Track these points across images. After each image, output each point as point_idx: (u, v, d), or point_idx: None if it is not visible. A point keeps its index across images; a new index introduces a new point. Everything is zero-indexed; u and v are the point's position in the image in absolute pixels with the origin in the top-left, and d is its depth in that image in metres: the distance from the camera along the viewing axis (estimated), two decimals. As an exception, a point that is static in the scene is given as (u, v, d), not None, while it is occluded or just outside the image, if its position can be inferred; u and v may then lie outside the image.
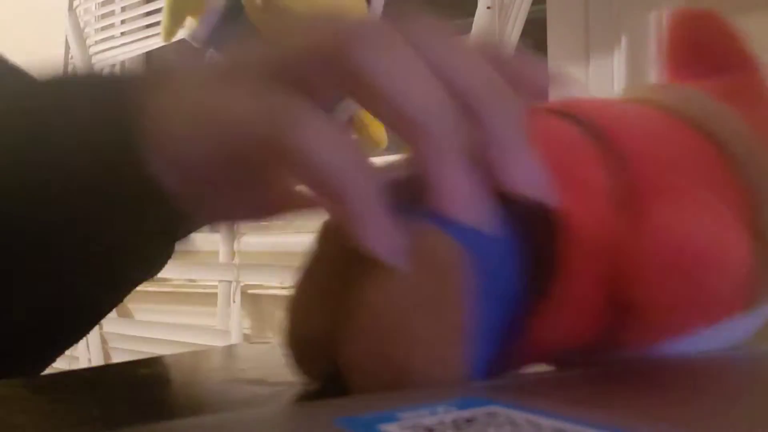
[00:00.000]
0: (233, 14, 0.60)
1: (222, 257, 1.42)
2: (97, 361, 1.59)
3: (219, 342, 1.36)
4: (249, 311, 1.41)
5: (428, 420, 0.15)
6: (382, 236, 0.19)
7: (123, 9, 1.58)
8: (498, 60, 0.23)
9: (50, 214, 0.25)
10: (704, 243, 0.21)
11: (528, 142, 0.22)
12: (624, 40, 0.90)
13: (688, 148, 0.25)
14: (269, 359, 0.34)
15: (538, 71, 0.24)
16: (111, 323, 1.57)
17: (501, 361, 0.21)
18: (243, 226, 1.29)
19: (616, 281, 0.21)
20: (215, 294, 1.43)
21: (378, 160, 0.24)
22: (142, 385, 0.25)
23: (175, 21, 0.64)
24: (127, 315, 1.61)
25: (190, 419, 0.16)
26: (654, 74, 0.91)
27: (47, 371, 0.31)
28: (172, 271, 1.31)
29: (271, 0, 0.56)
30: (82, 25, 1.62)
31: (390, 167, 0.23)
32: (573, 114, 0.24)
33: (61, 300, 0.28)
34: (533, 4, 1.03)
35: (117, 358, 1.57)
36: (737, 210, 0.23)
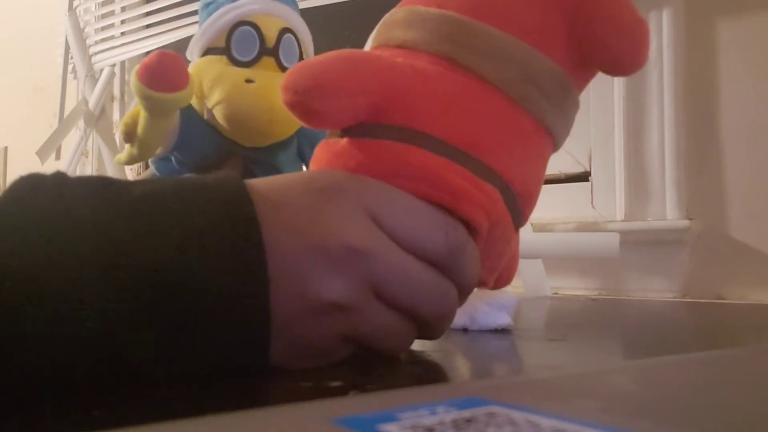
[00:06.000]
0: (190, 123, 0.66)
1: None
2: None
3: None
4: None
5: (428, 420, 0.15)
6: None
7: (123, 9, 1.58)
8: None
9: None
10: None
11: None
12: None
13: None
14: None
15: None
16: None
17: None
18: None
19: None
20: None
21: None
22: (142, 385, 0.25)
23: (143, 154, 0.66)
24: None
25: (191, 419, 0.16)
26: (654, 75, 0.91)
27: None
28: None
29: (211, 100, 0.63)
30: (82, 25, 1.62)
31: None
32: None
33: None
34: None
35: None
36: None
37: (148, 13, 1.52)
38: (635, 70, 0.33)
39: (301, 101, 0.30)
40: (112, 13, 1.61)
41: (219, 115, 0.63)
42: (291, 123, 0.63)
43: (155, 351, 0.24)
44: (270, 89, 0.62)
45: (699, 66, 0.87)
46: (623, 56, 0.32)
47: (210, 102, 0.63)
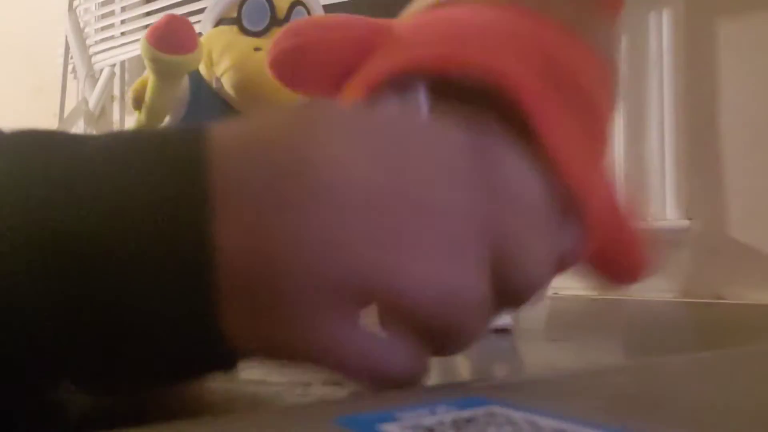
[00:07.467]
0: (199, 95, 0.67)
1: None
2: (97, 361, 1.58)
3: (219, 342, 1.36)
4: (249, 311, 1.41)
5: (428, 420, 0.15)
6: None
7: (123, 9, 1.58)
8: None
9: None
10: None
11: None
12: (624, 41, 0.90)
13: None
14: (269, 359, 0.34)
15: None
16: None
17: None
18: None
19: None
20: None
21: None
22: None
23: (151, 121, 0.68)
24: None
25: (191, 420, 0.16)
26: (654, 75, 0.91)
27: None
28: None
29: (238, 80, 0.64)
30: (82, 25, 1.62)
31: None
32: None
33: None
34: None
35: (117, 358, 1.57)
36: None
37: (148, 13, 1.52)
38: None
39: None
40: (112, 13, 1.60)
41: (227, 82, 0.64)
42: None
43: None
44: None
45: (699, 66, 0.87)
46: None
47: (218, 69, 0.65)
